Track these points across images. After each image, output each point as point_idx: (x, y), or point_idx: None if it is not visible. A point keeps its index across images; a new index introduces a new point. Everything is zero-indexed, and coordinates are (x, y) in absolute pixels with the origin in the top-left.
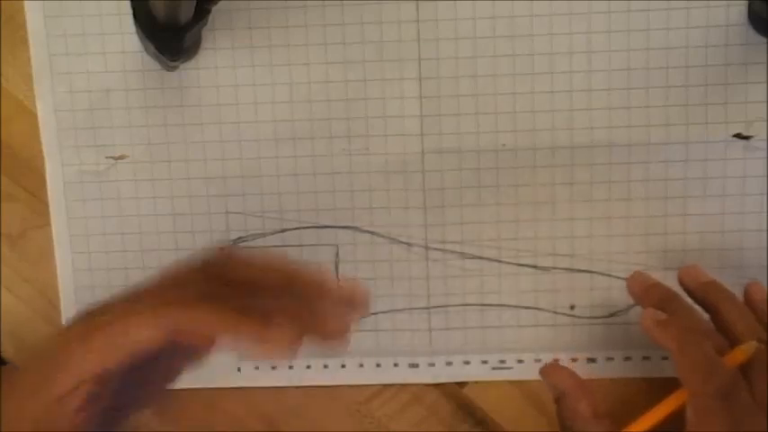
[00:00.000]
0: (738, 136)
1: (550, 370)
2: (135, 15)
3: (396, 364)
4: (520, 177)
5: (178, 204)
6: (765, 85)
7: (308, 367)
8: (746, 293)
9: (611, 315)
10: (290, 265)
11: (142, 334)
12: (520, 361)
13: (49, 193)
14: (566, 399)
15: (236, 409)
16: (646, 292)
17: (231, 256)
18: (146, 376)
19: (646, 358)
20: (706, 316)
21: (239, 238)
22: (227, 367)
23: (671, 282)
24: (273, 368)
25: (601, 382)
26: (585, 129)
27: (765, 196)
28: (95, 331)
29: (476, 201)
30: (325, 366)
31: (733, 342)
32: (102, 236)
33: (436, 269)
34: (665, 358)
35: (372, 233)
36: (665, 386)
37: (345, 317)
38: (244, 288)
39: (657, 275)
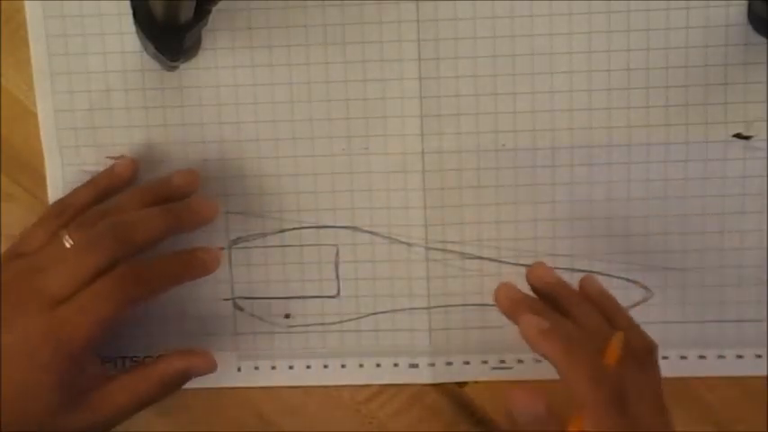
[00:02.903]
0: (738, 136)
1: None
2: (135, 15)
3: (396, 364)
4: (520, 177)
5: None
6: (765, 85)
7: (308, 367)
8: (581, 288)
9: None
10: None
11: None
12: (520, 361)
13: (49, 193)
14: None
15: (236, 409)
16: (544, 286)
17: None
18: None
19: None
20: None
21: (239, 238)
22: (227, 367)
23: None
24: (273, 368)
25: None
26: (585, 129)
27: (765, 196)
28: None
29: (476, 201)
30: (326, 366)
31: None
32: None
33: (436, 269)
34: (665, 357)
35: (372, 233)
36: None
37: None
38: None
39: (658, 275)
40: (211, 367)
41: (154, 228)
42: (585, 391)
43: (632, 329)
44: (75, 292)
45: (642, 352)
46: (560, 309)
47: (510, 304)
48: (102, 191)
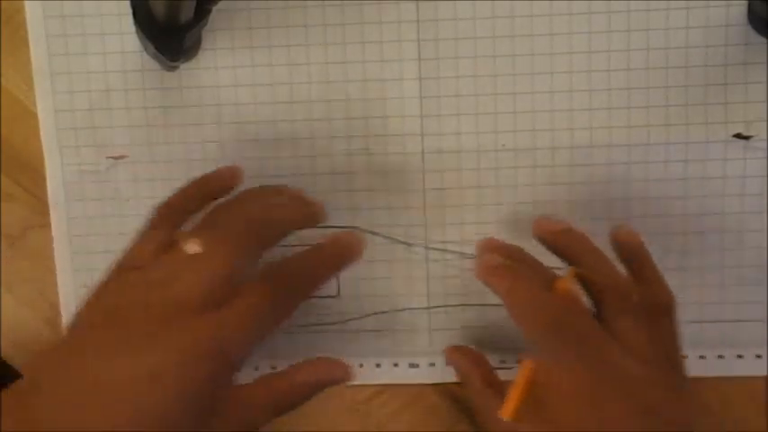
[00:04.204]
0: (738, 136)
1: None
2: (135, 15)
3: (396, 364)
4: (520, 177)
5: None
6: (765, 85)
7: None
8: (611, 236)
9: None
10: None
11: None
12: (520, 361)
13: (49, 193)
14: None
15: None
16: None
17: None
18: None
19: None
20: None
21: None
22: None
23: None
24: (273, 368)
25: None
26: (585, 129)
27: (765, 196)
28: None
29: (476, 201)
30: None
31: (592, 287)
32: (102, 236)
33: (436, 269)
34: None
35: (372, 233)
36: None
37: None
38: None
39: None
40: (350, 377)
41: (287, 216)
42: (523, 320)
43: (655, 284)
44: (222, 299)
45: (656, 307)
46: (571, 259)
47: (477, 247)
48: (207, 195)
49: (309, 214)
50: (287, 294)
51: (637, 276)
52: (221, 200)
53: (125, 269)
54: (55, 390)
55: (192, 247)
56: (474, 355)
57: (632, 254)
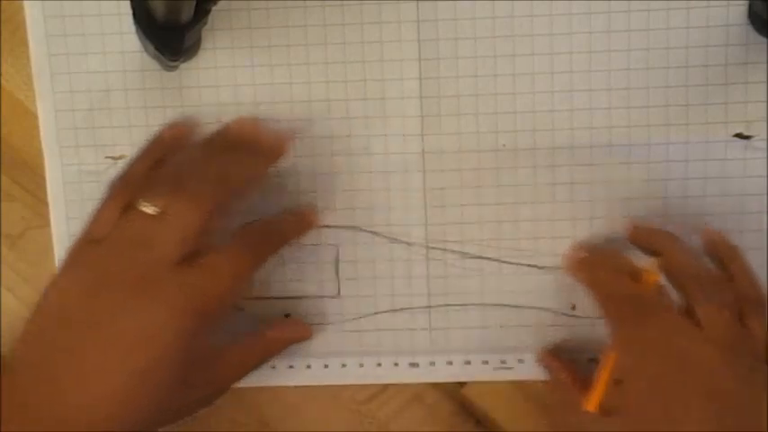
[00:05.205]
0: (738, 136)
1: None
2: (135, 15)
3: (396, 364)
4: (520, 177)
5: None
6: (765, 85)
7: (308, 367)
8: (702, 237)
9: None
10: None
11: None
12: (520, 361)
13: (48, 193)
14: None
15: (236, 409)
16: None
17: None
18: None
19: None
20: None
21: None
22: None
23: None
24: (273, 368)
25: None
26: (585, 129)
27: (765, 196)
28: None
29: (476, 201)
30: (326, 366)
31: (678, 278)
32: None
33: (436, 269)
34: None
35: (372, 233)
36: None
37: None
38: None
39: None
40: (310, 335)
41: (244, 168)
42: (609, 309)
43: (744, 279)
44: (194, 253)
45: (745, 301)
46: (658, 254)
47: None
48: (157, 157)
49: (265, 164)
50: (256, 252)
51: (727, 272)
52: (177, 157)
53: (89, 241)
54: (40, 368)
55: (150, 207)
56: (565, 359)
57: (721, 250)
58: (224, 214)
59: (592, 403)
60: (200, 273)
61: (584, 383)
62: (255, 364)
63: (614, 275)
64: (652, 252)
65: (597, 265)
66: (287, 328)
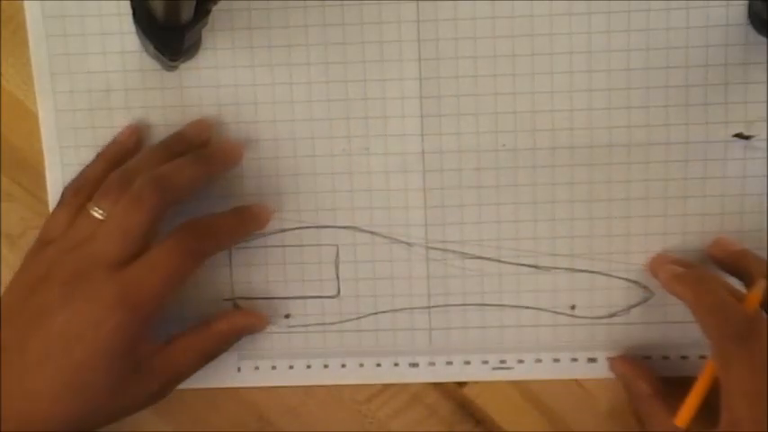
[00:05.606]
0: (738, 136)
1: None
2: (135, 15)
3: (396, 364)
4: (520, 177)
5: None
6: (765, 85)
7: (309, 367)
8: None
9: (612, 315)
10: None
11: None
12: (520, 361)
13: (48, 193)
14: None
15: (236, 409)
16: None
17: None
18: None
19: (646, 357)
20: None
21: None
22: (227, 367)
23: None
24: (273, 368)
25: (601, 381)
26: (585, 129)
27: (765, 196)
28: None
29: (476, 201)
30: (326, 366)
31: None
32: None
33: (436, 269)
34: (665, 358)
35: (372, 233)
36: (667, 385)
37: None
38: None
39: None
40: (264, 325)
41: (188, 173)
42: (711, 326)
43: None
44: (134, 254)
45: None
46: (747, 279)
47: (653, 262)
48: (112, 161)
49: (209, 171)
50: (194, 249)
51: None
52: (132, 160)
53: (41, 243)
54: None
55: (98, 210)
56: (639, 363)
57: None
58: (168, 216)
59: (682, 419)
60: (134, 269)
61: (664, 394)
62: (205, 355)
63: (719, 293)
64: (739, 275)
65: (698, 280)
66: (234, 318)
